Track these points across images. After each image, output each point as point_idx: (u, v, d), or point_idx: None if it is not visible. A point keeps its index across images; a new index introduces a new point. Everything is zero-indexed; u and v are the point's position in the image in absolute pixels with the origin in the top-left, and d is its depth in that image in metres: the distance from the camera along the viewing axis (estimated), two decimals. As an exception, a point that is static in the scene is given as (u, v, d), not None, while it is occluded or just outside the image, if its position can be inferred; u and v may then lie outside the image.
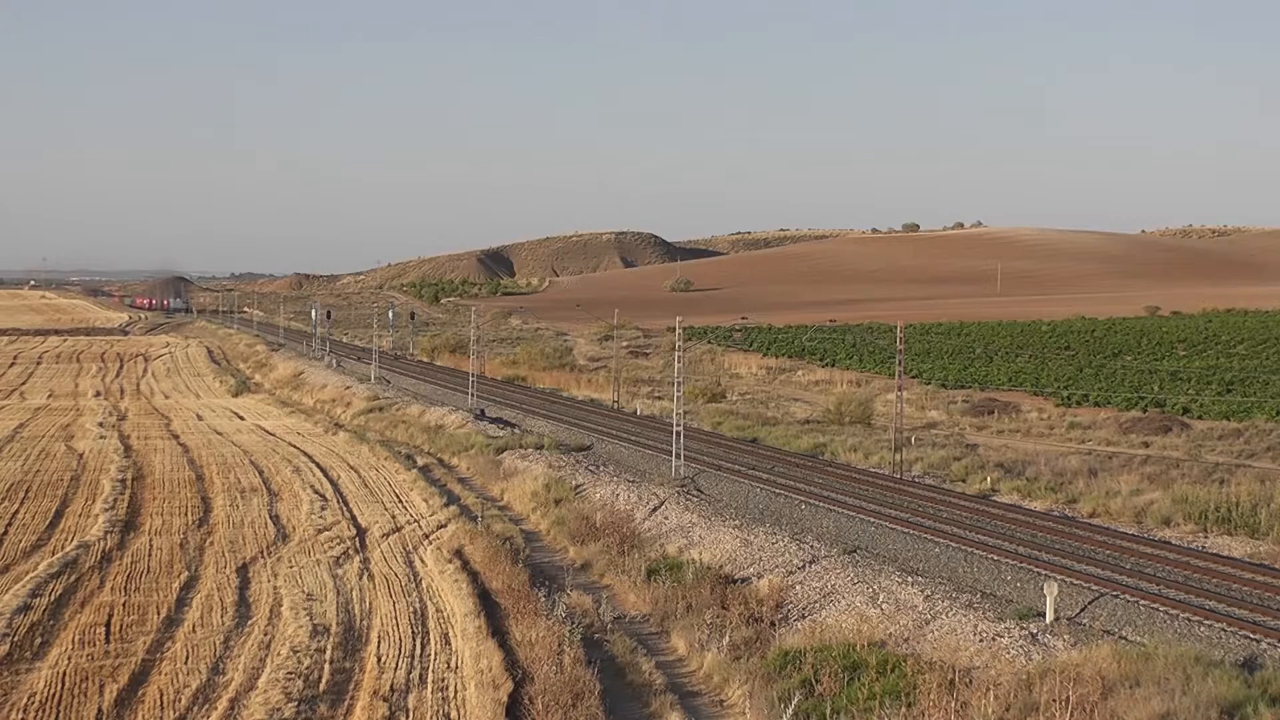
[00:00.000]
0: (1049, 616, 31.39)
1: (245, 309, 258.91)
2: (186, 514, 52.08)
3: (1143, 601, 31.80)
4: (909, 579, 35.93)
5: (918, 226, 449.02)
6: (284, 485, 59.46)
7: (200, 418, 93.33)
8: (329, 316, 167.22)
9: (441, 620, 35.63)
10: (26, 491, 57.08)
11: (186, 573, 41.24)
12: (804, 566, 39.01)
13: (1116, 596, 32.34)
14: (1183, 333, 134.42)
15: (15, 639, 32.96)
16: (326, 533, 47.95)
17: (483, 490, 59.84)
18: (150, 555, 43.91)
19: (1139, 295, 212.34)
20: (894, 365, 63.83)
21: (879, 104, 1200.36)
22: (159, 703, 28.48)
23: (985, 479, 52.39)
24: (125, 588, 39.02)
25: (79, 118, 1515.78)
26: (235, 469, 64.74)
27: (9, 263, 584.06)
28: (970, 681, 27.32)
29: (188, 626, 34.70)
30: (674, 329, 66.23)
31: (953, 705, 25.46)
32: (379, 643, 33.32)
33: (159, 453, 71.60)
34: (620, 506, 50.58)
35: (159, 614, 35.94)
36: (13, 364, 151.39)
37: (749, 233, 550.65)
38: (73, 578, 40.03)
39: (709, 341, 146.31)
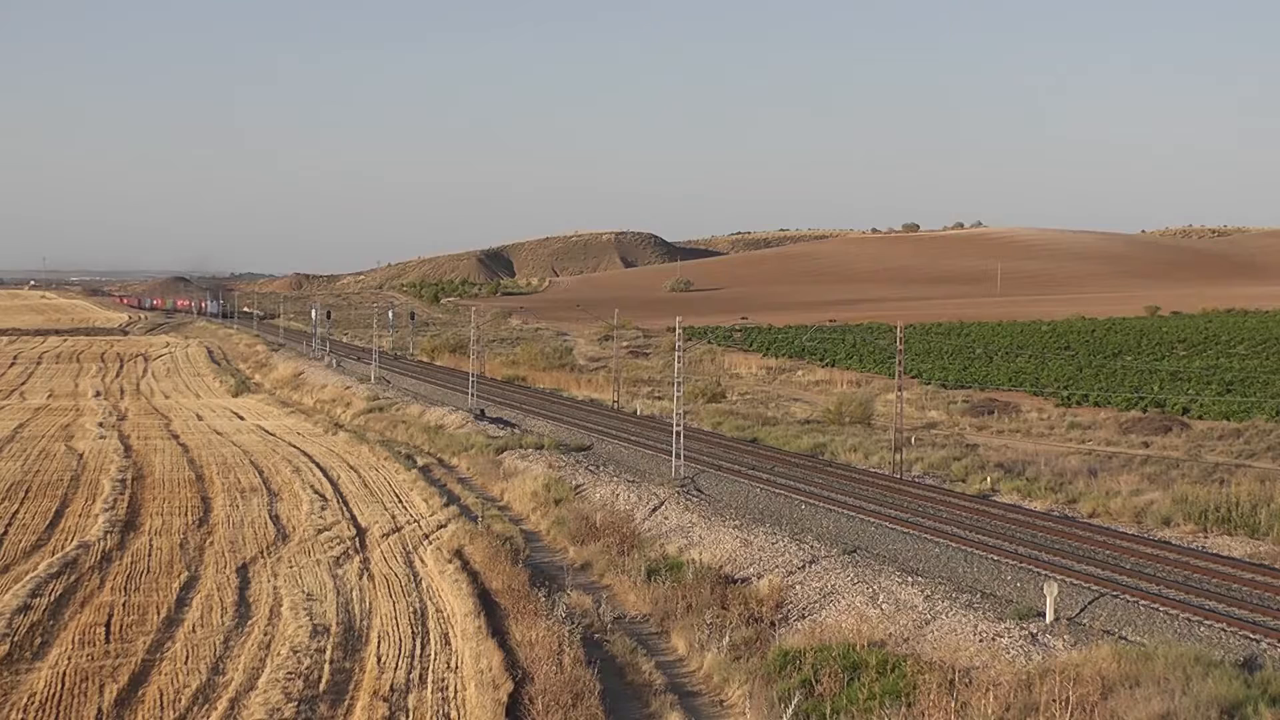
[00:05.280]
0: (1049, 616, 31.39)
1: (247, 308, 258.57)
2: (186, 514, 52.10)
3: (1143, 601, 31.83)
4: (909, 579, 35.93)
5: (918, 226, 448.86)
6: (284, 485, 59.47)
7: (200, 418, 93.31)
8: (329, 316, 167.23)
9: (441, 620, 35.64)
10: (26, 491, 57.10)
11: (186, 573, 41.26)
12: (804, 566, 39.01)
13: (1116, 596, 32.36)
14: (1183, 333, 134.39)
15: (15, 639, 32.98)
16: (326, 533, 47.96)
17: (483, 490, 59.84)
18: (150, 555, 43.93)
19: (1139, 295, 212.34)
20: (894, 365, 63.83)
21: (879, 104, 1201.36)
22: (159, 703, 28.51)
23: (985, 479, 52.38)
24: (125, 588, 39.04)
25: (78, 118, 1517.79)
26: (235, 469, 64.74)
27: (9, 263, 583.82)
28: (970, 681, 27.31)
29: (188, 626, 34.72)
30: (674, 329, 66.22)
31: (953, 705, 25.46)
32: (379, 643, 33.34)
33: (159, 453, 71.61)
34: (620, 506, 50.61)
35: (159, 614, 35.96)
36: (13, 364, 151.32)
37: (749, 233, 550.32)
38: (73, 578, 40.05)
39: (709, 341, 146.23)
